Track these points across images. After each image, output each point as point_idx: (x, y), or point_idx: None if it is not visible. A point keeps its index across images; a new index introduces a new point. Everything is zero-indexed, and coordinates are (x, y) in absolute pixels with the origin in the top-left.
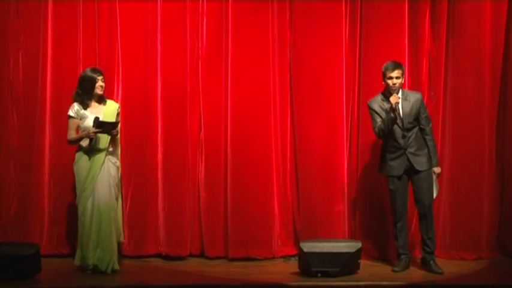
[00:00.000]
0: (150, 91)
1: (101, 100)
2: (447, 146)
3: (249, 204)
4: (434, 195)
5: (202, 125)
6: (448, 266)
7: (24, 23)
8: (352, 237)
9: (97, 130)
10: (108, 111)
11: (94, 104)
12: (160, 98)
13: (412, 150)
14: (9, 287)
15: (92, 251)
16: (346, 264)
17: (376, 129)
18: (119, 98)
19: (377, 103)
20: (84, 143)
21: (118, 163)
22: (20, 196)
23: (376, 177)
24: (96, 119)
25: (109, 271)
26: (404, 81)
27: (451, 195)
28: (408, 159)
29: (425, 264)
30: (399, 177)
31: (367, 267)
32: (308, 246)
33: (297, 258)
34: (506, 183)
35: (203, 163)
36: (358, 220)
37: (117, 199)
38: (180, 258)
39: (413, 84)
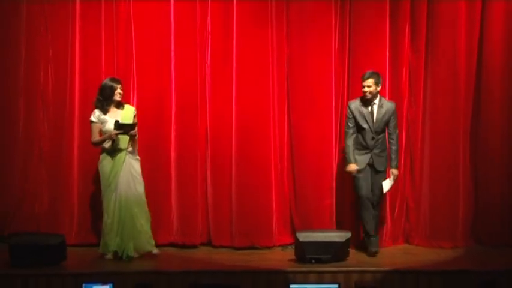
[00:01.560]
0: (163, 98)
1: (119, 105)
2: (426, 147)
3: (251, 198)
4: (385, 190)
5: (209, 128)
6: (427, 254)
7: (52, 39)
8: (339, 227)
9: (118, 132)
10: (126, 114)
11: (113, 109)
12: (174, 104)
13: (376, 151)
14: (36, 273)
15: (113, 239)
16: (337, 252)
17: (346, 137)
18: (134, 104)
19: (355, 105)
20: (107, 144)
21: (139, 158)
22: (51, 193)
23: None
24: (116, 122)
25: (124, 257)
26: (386, 88)
27: (431, 191)
28: (371, 158)
29: (365, 245)
30: (361, 170)
31: (356, 254)
32: (303, 236)
33: (293, 246)
34: (479, 181)
35: (210, 162)
36: (344, 212)
37: (143, 189)
38: (191, 246)
39: (394, 91)
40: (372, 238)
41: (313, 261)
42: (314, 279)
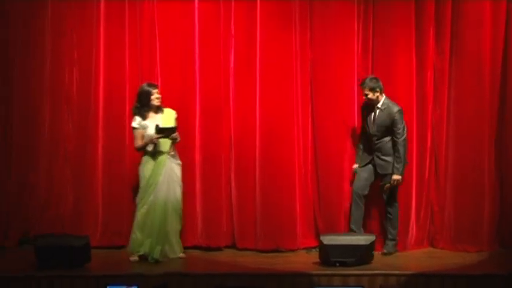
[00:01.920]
0: (187, 101)
1: (158, 110)
2: (451, 150)
3: (275, 201)
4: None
5: (233, 131)
6: (452, 257)
7: (77, 41)
8: (364, 230)
9: (158, 136)
10: (167, 118)
11: (152, 115)
12: (198, 106)
13: (378, 154)
14: (61, 274)
15: (144, 240)
16: (361, 255)
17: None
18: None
19: (366, 107)
20: (150, 148)
21: (180, 162)
22: (76, 194)
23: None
24: (157, 126)
25: (150, 259)
26: (413, 91)
27: (455, 194)
28: (373, 159)
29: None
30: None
31: (381, 258)
32: (328, 239)
33: (317, 249)
34: (504, 184)
35: (234, 165)
36: (369, 215)
37: (181, 193)
38: (215, 249)
39: (419, 94)
40: (387, 241)
41: (338, 264)
42: (339, 282)
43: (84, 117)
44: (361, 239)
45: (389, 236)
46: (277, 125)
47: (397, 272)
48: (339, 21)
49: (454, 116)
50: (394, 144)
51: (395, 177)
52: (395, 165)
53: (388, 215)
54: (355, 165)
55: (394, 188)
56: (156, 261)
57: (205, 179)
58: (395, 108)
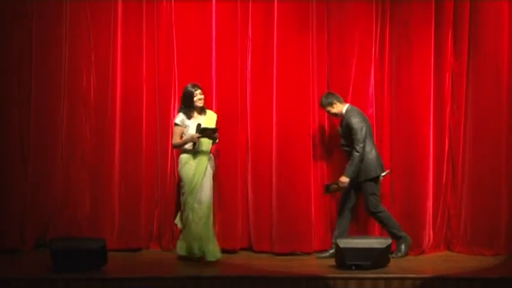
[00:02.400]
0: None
1: (202, 111)
2: (468, 154)
3: (291, 204)
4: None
5: (249, 134)
6: (468, 261)
7: (94, 44)
8: (380, 233)
9: (200, 135)
10: (208, 120)
11: (196, 115)
12: (215, 110)
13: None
14: (78, 277)
15: (195, 243)
16: (377, 258)
17: None
18: (175, 110)
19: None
20: (189, 145)
21: (214, 167)
22: (93, 196)
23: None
24: (198, 125)
25: (210, 259)
26: (431, 95)
27: (472, 198)
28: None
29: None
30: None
31: (397, 261)
32: (344, 242)
33: (327, 252)
34: None
35: (251, 168)
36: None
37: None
38: (231, 251)
39: (437, 98)
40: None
41: (354, 267)
42: (354, 286)
43: (101, 119)
44: (377, 242)
45: (396, 235)
46: (294, 128)
47: (413, 275)
48: (356, 23)
49: (472, 118)
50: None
51: (343, 179)
52: (347, 167)
53: (381, 223)
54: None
55: (371, 198)
56: (209, 262)
57: (222, 181)
58: (350, 116)
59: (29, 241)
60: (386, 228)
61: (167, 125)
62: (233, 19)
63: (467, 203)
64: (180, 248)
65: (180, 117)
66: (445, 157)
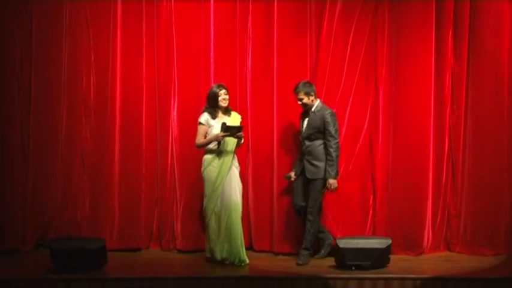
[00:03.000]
0: (203, 104)
1: (226, 112)
2: (468, 154)
3: (291, 203)
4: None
5: (250, 134)
6: (469, 261)
7: (94, 45)
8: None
9: (224, 134)
10: (233, 120)
11: (220, 115)
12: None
13: (308, 158)
14: (78, 277)
15: (219, 245)
16: (377, 258)
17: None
18: (175, 110)
19: (302, 114)
20: (213, 145)
21: (239, 167)
22: (93, 197)
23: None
24: (224, 124)
25: (237, 263)
26: (432, 95)
27: (472, 198)
28: (304, 164)
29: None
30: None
31: (397, 261)
32: (343, 243)
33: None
34: None
35: (251, 167)
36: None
37: (241, 198)
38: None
39: (437, 98)
40: (301, 250)
41: (354, 267)
42: (354, 286)
43: (101, 119)
44: (377, 242)
45: (305, 245)
46: (295, 128)
47: (413, 275)
48: (354, 22)
49: (472, 118)
50: (326, 147)
51: (331, 181)
52: (328, 168)
53: (308, 226)
54: (291, 173)
55: (318, 195)
56: (244, 263)
57: None
58: (328, 111)
59: (30, 241)
60: (308, 234)
61: (167, 124)
62: (232, 19)
63: (467, 203)
64: (206, 250)
65: (204, 117)
66: (445, 157)
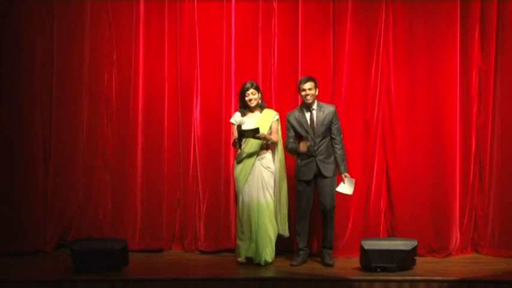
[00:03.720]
0: (225, 104)
1: (259, 108)
2: (496, 153)
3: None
4: (346, 192)
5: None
6: (496, 263)
7: (116, 43)
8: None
9: (239, 137)
10: (263, 119)
11: (251, 113)
12: (234, 109)
13: (321, 157)
14: (99, 278)
15: (245, 244)
16: (403, 260)
17: (288, 146)
18: (198, 109)
19: (293, 116)
20: (236, 147)
21: (272, 168)
22: (114, 198)
23: (423, 183)
24: (239, 127)
25: (262, 263)
26: (457, 94)
27: (500, 199)
28: (317, 165)
29: (320, 256)
30: (307, 182)
31: (423, 263)
32: (369, 244)
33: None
34: None
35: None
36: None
37: (273, 199)
38: None
39: (464, 97)
40: (301, 251)
41: (379, 269)
42: None
43: (124, 119)
44: (403, 243)
45: (331, 245)
46: None
47: (439, 278)
48: (375, 21)
49: (500, 118)
50: (335, 143)
51: (348, 174)
52: (341, 163)
53: (331, 224)
54: (301, 181)
55: (333, 193)
56: (268, 264)
57: None
58: (333, 107)
59: (50, 242)
60: (331, 228)
61: (189, 123)
62: (255, 17)
63: (495, 204)
64: (236, 249)
65: (235, 116)
66: (472, 157)
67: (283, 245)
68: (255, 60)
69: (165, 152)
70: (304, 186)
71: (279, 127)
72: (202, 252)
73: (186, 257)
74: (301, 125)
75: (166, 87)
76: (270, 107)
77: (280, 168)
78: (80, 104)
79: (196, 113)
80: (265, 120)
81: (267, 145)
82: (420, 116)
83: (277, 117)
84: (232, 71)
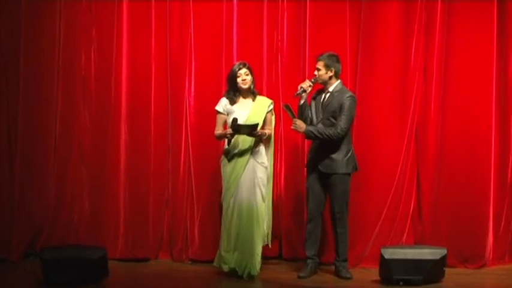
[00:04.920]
0: (224, 87)
1: (250, 95)
2: None
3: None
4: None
5: (281, 133)
6: None
7: (96, 16)
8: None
9: (233, 133)
10: (257, 108)
11: (242, 100)
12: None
13: (323, 149)
14: None
15: (229, 252)
16: (430, 271)
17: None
18: (192, 94)
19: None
20: (226, 142)
21: (266, 163)
22: (93, 198)
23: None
24: (234, 121)
25: (245, 276)
26: (492, 95)
27: None
28: (318, 157)
29: (335, 269)
30: (311, 173)
31: (453, 275)
32: (390, 253)
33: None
34: None
35: (283, 163)
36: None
37: (264, 201)
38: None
39: (499, 97)
40: (308, 260)
41: (401, 283)
42: None
43: (104, 106)
44: (430, 252)
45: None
46: None
47: None
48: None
49: None
50: (334, 127)
51: (299, 123)
52: (313, 129)
53: (341, 230)
54: (308, 174)
55: (344, 196)
56: (252, 278)
57: None
58: (348, 94)
59: (17, 250)
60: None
61: (180, 110)
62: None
63: None
64: (216, 257)
65: (222, 103)
66: (510, 156)
67: (288, 253)
68: (259, 34)
69: (152, 144)
70: (311, 182)
71: (273, 117)
72: (194, 261)
73: (175, 268)
74: (311, 107)
75: (153, 67)
76: (276, 91)
77: (270, 166)
78: (51, 88)
79: (190, 98)
80: (259, 110)
81: (261, 140)
82: (453, 112)
83: (272, 106)
84: (234, 48)
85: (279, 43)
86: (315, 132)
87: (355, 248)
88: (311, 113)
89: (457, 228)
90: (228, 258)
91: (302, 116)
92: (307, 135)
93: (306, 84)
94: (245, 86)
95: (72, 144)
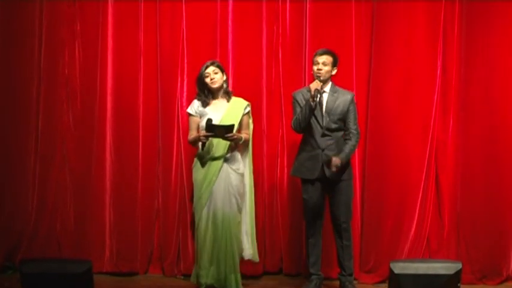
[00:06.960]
0: None
1: (226, 96)
2: None
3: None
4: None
5: (284, 132)
6: None
7: (80, 9)
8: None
9: (208, 134)
10: (232, 110)
11: (215, 102)
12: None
13: (330, 153)
14: None
15: (206, 267)
16: None
17: (293, 122)
18: (184, 94)
19: (301, 94)
20: (199, 146)
21: (241, 170)
22: (77, 205)
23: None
24: (208, 121)
25: None
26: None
27: None
28: (322, 165)
29: (340, 285)
30: (312, 182)
31: None
32: (400, 267)
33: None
34: None
35: (285, 162)
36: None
37: (240, 211)
38: (255, 277)
39: None
40: (313, 276)
41: None
42: None
43: (89, 105)
44: (443, 267)
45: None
46: None
47: None
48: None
49: None
50: (349, 134)
51: (338, 160)
52: (344, 152)
53: (346, 242)
54: (306, 184)
55: (350, 204)
56: None
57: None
58: (351, 93)
59: None
60: (345, 252)
61: (172, 111)
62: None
63: None
64: (192, 274)
65: (194, 105)
66: None
67: (289, 268)
68: (258, 29)
69: (140, 148)
70: (311, 192)
71: (251, 121)
72: (187, 276)
73: (166, 283)
74: (307, 101)
75: (142, 64)
76: (276, 90)
77: (250, 175)
78: (31, 85)
79: (182, 98)
80: (234, 112)
81: (236, 144)
82: (474, 115)
83: (249, 108)
84: (229, 43)
85: (280, 38)
86: (349, 154)
87: (363, 261)
88: (314, 120)
89: (475, 241)
90: (203, 274)
91: (306, 122)
92: (347, 159)
93: (319, 85)
94: (215, 86)
95: (55, 147)
